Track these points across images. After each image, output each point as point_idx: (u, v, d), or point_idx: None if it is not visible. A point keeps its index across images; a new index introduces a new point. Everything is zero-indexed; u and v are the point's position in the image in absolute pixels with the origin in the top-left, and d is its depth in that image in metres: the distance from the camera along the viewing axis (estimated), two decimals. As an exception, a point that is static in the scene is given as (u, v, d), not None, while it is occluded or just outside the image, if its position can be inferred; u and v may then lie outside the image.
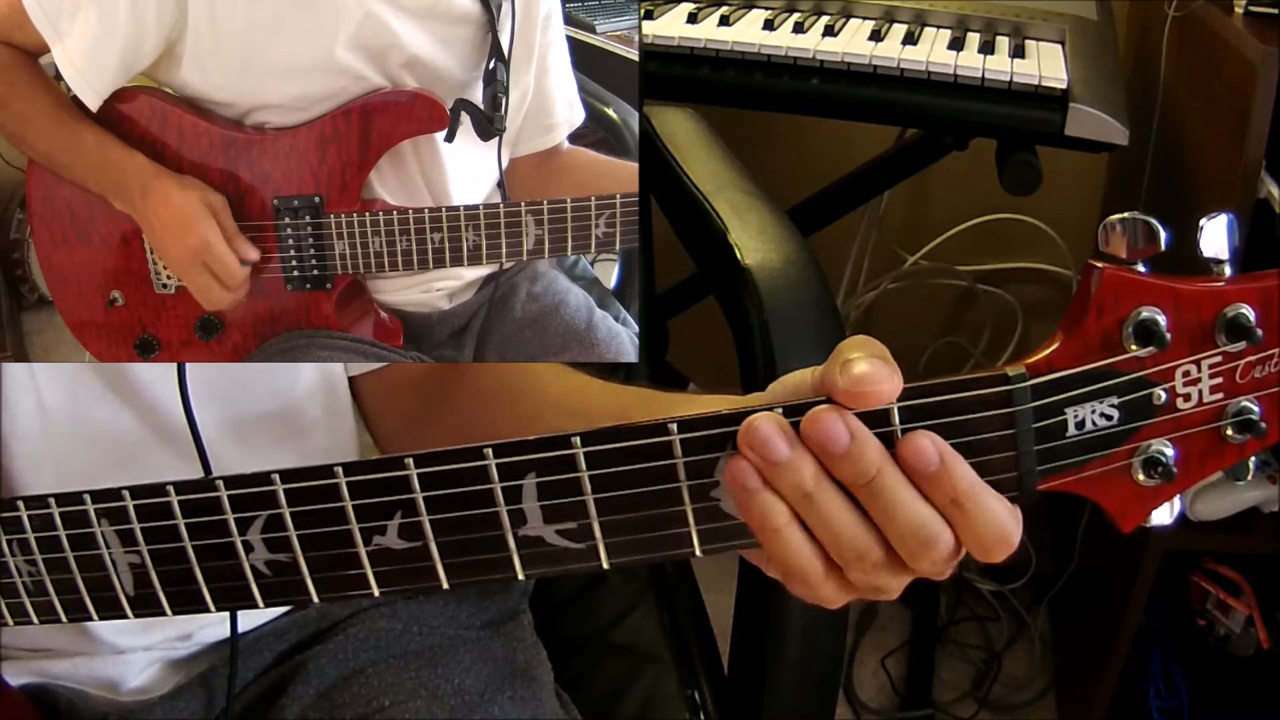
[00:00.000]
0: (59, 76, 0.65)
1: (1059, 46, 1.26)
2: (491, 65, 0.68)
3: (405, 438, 0.82)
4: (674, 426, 0.48)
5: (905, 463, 0.47)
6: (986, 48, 1.22)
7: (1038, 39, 1.28)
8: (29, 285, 0.74)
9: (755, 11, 1.32)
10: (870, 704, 1.81)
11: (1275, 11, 1.25)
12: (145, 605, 0.55)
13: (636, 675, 0.94)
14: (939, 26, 1.30)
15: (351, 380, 0.82)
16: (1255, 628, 1.48)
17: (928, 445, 0.47)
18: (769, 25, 1.26)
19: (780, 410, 0.48)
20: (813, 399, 0.48)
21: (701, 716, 0.92)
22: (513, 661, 0.84)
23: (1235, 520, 1.38)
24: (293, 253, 0.69)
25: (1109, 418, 0.48)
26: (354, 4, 0.64)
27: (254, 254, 0.68)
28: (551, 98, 0.73)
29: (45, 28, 0.63)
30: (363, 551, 0.51)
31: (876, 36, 1.24)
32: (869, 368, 0.47)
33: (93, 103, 0.65)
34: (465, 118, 0.68)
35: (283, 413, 0.79)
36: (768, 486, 0.48)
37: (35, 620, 0.58)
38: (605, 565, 0.50)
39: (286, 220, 0.68)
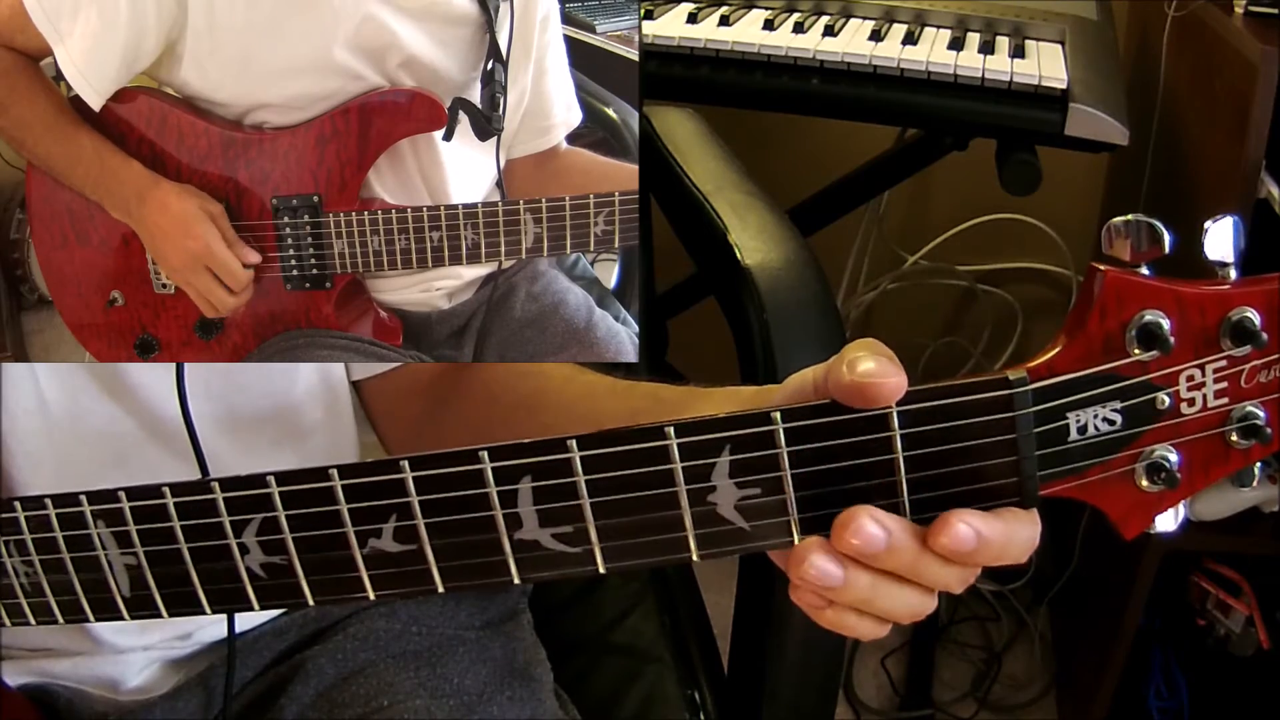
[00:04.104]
0: (59, 78, 0.65)
1: (1059, 46, 1.26)
2: (489, 66, 0.68)
3: (413, 443, 0.82)
4: (671, 430, 0.48)
5: (944, 549, 0.47)
6: (986, 48, 1.22)
7: (1038, 39, 1.28)
8: (29, 285, 0.73)
9: (755, 11, 1.31)
10: (870, 704, 1.81)
11: (1275, 11, 1.24)
12: (141, 607, 0.55)
13: (636, 675, 0.93)
14: (939, 26, 1.30)
15: (357, 384, 0.82)
16: (1255, 628, 1.48)
17: (965, 530, 0.47)
18: (769, 25, 1.26)
19: (781, 414, 0.47)
20: (815, 400, 0.48)
21: (701, 716, 0.92)
22: (512, 661, 0.84)
23: (1235, 520, 1.37)
24: (292, 252, 0.69)
25: (1112, 422, 0.48)
26: (352, 4, 0.64)
27: (255, 257, 0.68)
28: (549, 99, 0.73)
29: (46, 29, 0.63)
30: (358, 555, 0.51)
31: (876, 36, 1.24)
32: (874, 364, 0.47)
33: (95, 102, 0.65)
34: (463, 117, 0.68)
35: (281, 413, 0.79)
36: (834, 603, 0.50)
37: (32, 621, 0.58)
38: (601, 570, 0.50)
39: (285, 220, 0.68)
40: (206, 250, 0.67)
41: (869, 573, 0.49)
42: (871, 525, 0.47)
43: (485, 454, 0.49)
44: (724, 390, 0.62)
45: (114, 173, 0.67)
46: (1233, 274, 0.48)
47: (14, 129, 0.66)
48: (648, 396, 0.68)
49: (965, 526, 0.47)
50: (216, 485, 0.52)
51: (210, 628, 0.80)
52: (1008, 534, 0.48)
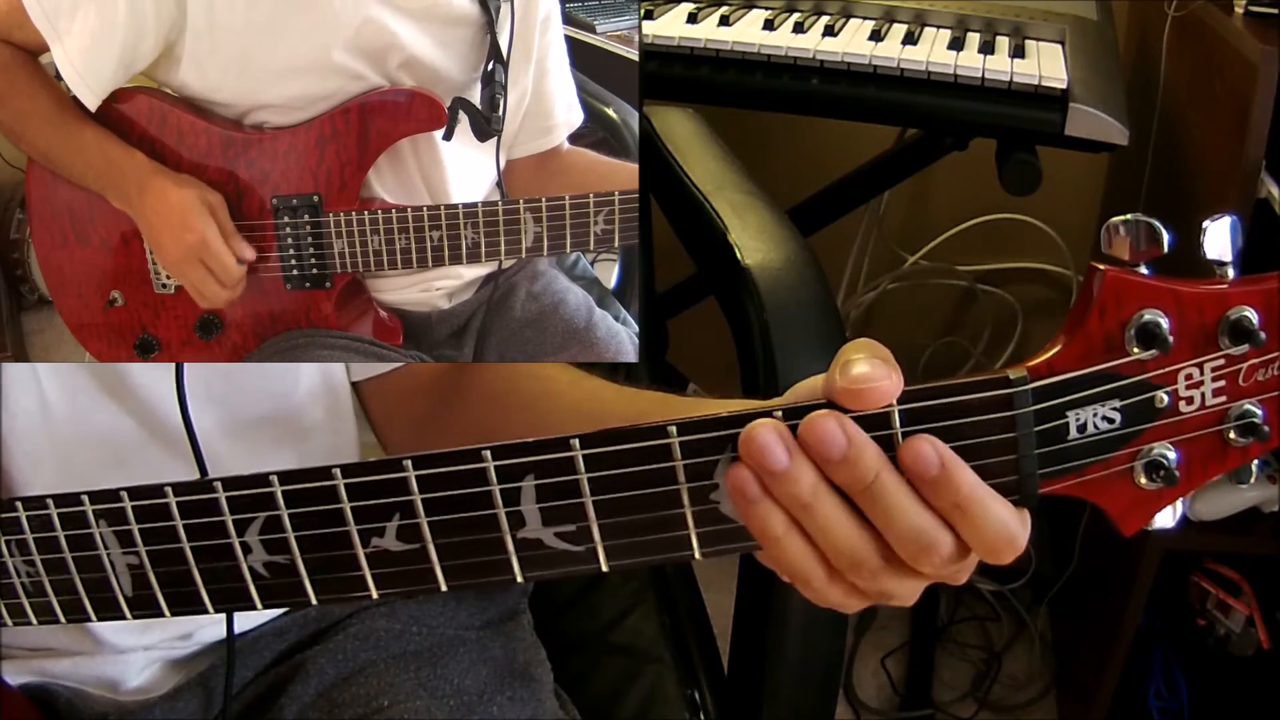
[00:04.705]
0: (59, 75, 0.65)
1: (1059, 46, 1.26)
2: (490, 66, 0.68)
3: (414, 444, 0.82)
4: (673, 429, 0.48)
5: (906, 468, 0.47)
6: (986, 48, 1.22)
7: (1038, 39, 1.28)
8: (29, 285, 0.73)
9: (755, 11, 1.32)
10: (870, 704, 1.81)
11: (1275, 11, 1.24)
12: (144, 606, 0.55)
13: (636, 675, 0.93)
14: (939, 26, 1.30)
15: (357, 386, 0.82)
16: (1255, 628, 1.48)
17: (928, 450, 0.47)
18: (769, 25, 1.26)
19: (781, 413, 0.47)
20: (817, 402, 0.48)
21: (701, 716, 0.92)
22: (512, 661, 0.84)
23: (1235, 520, 1.38)
24: (292, 252, 0.69)
25: (1111, 421, 0.48)
26: (353, 6, 0.64)
27: (250, 253, 0.68)
28: (550, 99, 0.73)
29: (44, 27, 0.63)
30: (361, 553, 0.51)
31: (876, 36, 1.24)
32: (868, 368, 0.47)
33: (91, 103, 0.65)
34: (463, 117, 0.68)
35: (282, 414, 0.79)
36: (767, 495, 0.48)
37: (34, 621, 0.58)
38: (604, 568, 0.50)
39: (285, 219, 0.68)
40: (202, 243, 0.67)
41: (816, 475, 0.47)
42: (836, 429, 0.46)
43: (488, 453, 0.49)
44: (735, 402, 0.62)
45: (115, 162, 0.67)
46: (1231, 273, 0.48)
47: (14, 122, 0.66)
48: (655, 401, 0.68)
49: (930, 448, 0.46)
50: (219, 485, 0.52)
51: (210, 628, 0.80)
52: (983, 491, 0.47)
